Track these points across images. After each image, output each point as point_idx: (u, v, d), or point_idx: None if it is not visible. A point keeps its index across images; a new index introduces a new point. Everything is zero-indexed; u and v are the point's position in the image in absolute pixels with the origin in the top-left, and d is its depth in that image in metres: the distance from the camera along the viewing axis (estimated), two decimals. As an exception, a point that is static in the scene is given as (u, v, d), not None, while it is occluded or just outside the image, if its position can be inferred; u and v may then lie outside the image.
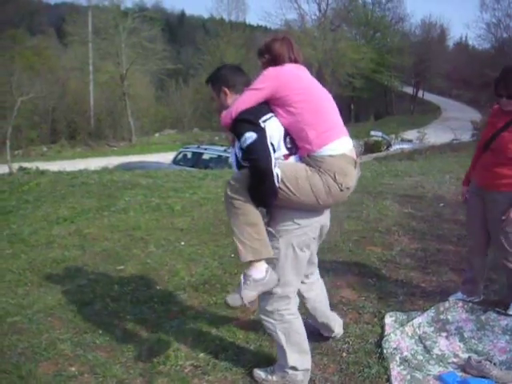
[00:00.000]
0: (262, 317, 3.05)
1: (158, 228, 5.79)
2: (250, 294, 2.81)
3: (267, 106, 2.84)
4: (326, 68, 46.59)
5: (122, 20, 38.58)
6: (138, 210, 6.42)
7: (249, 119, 2.75)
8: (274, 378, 3.17)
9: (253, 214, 2.80)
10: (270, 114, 2.81)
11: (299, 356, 3.08)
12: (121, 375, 3.23)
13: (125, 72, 37.62)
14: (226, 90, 2.93)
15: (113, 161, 17.34)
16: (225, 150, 15.89)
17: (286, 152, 2.84)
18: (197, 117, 45.77)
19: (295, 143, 2.87)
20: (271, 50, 2.97)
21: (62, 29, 47.34)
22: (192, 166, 14.40)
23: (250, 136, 2.70)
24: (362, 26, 54.62)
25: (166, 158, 17.93)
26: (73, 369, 3.34)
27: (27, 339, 3.72)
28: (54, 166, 15.85)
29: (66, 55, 46.38)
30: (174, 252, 5.00)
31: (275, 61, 2.94)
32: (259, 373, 3.23)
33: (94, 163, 16.76)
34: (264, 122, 2.77)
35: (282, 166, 2.76)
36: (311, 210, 2.86)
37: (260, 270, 2.80)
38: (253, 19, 74.35)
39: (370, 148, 24.37)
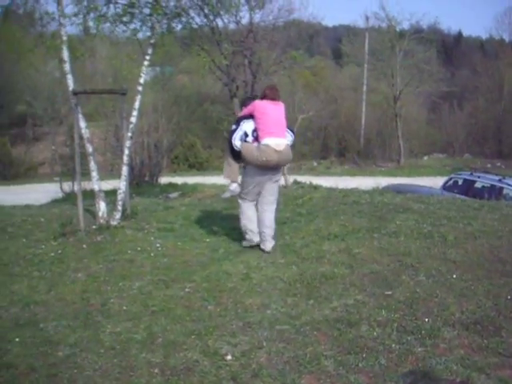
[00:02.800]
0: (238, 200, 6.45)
1: (429, 257, 5.58)
2: (226, 194, 6.65)
3: (251, 116, 5.96)
4: None
5: (399, 42, 38.63)
6: (409, 235, 6.26)
7: (237, 120, 6.18)
8: (244, 241, 6.40)
9: (232, 160, 6.23)
10: (250, 120, 5.96)
11: (247, 229, 6.23)
12: (382, 404, 3.19)
13: (398, 93, 37.59)
14: (244, 108, 6.25)
15: (380, 181, 17.33)
16: (500, 180, 14.79)
17: (252, 138, 5.93)
18: (469, 142, 43.42)
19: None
20: (263, 92, 6.17)
21: (339, 50, 49.18)
22: (463, 194, 13.68)
23: (233, 126, 6.11)
24: None
25: (434, 182, 17.37)
26: (334, 388, 3.39)
27: (293, 349, 3.89)
28: (323, 181, 16.45)
29: (340, 75, 48.08)
30: (445, 284, 4.76)
31: (264, 96, 6.06)
32: (243, 241, 6.42)
33: (362, 182, 16.99)
34: (244, 122, 5.99)
35: (246, 144, 5.92)
36: (257, 168, 5.92)
37: (232, 186, 6.43)
38: (537, 38, 68.43)
39: None
